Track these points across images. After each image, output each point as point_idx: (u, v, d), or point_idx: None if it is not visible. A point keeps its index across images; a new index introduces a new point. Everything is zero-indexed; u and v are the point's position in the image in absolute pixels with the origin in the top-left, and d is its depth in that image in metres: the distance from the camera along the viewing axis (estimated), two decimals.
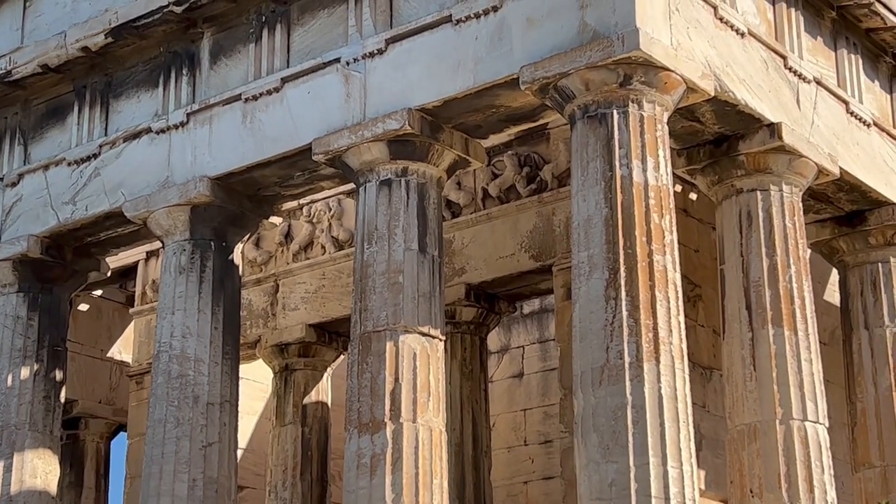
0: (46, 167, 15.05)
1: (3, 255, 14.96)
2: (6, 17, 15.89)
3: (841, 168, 13.02)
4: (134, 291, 19.50)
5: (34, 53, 14.93)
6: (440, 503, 11.61)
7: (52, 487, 14.87)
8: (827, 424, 12.03)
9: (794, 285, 12.21)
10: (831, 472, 11.85)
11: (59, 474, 15.17)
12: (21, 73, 15.04)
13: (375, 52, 12.60)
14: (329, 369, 17.95)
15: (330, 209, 17.36)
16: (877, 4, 13.39)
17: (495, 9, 11.86)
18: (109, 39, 14.29)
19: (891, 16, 13.61)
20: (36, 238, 14.82)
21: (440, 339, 12.24)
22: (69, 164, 14.81)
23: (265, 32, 13.55)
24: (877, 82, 14.15)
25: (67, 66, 14.82)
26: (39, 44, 14.99)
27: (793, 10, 13.02)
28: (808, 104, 12.89)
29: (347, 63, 12.77)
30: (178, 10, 13.75)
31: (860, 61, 13.87)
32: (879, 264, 13.99)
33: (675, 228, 11.18)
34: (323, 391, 17.90)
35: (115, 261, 16.98)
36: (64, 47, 14.61)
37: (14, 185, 15.29)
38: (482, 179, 15.80)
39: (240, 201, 13.89)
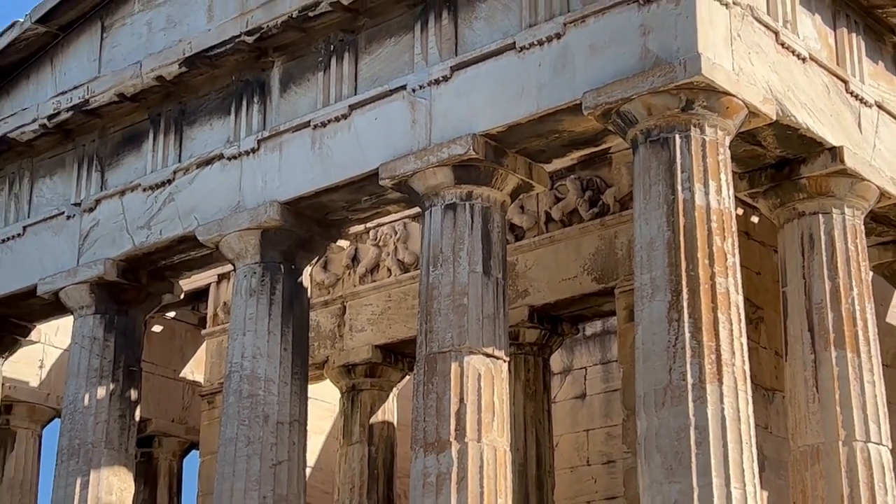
0: (122, 193, 15.16)
1: (81, 278, 15.08)
2: (84, 48, 16.09)
3: None
4: (206, 313, 19.63)
5: (111, 83, 15.07)
6: None
7: (127, 503, 14.94)
8: (890, 446, 11.89)
9: (857, 307, 12.09)
10: (895, 493, 11.70)
11: (133, 492, 15.27)
12: (98, 102, 15.19)
13: (441, 79, 12.61)
14: (395, 389, 17.96)
15: (396, 233, 17.41)
16: None
17: (558, 36, 11.86)
18: (183, 69, 14.43)
19: None
20: (112, 261, 14.91)
21: (504, 361, 12.19)
22: (144, 190, 14.91)
23: (333, 61, 13.62)
24: None
25: (143, 95, 14.95)
26: (116, 73, 15.13)
27: (854, 35, 12.95)
28: (870, 128, 12.78)
29: (413, 90, 12.78)
30: (249, 39, 13.89)
31: None
32: None
33: (737, 251, 11.08)
34: (389, 411, 17.92)
35: (188, 283, 17.10)
36: (139, 77, 14.74)
37: (91, 210, 15.41)
38: (545, 203, 15.77)
39: (308, 225, 13.92)
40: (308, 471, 14.36)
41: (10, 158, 16.42)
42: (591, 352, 18.90)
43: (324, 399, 18.27)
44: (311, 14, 13.41)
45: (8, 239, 16.24)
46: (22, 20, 16.08)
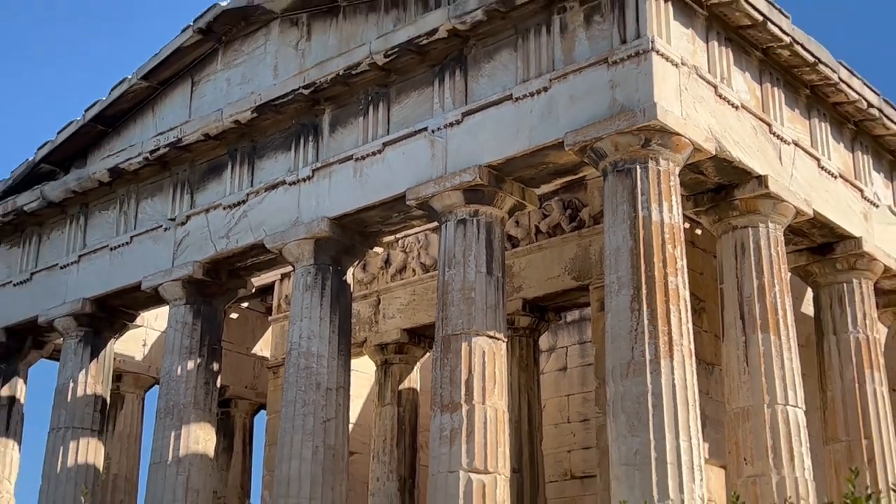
0: (207, 210, 15.24)
1: (175, 276, 15.19)
2: (177, 99, 16.25)
3: (814, 210, 12.95)
4: (272, 304, 19.67)
5: (198, 125, 15.18)
6: (502, 466, 11.66)
7: (210, 452, 15.10)
8: (804, 408, 11.96)
9: (778, 300, 12.17)
10: (807, 445, 11.78)
11: (215, 442, 15.42)
12: (188, 140, 15.30)
13: (454, 122, 12.70)
14: (418, 363, 17.97)
15: (419, 241, 17.46)
16: (841, 84, 13.34)
17: (546, 89, 11.98)
18: (254, 115, 14.53)
19: (852, 92, 13.54)
20: (199, 264, 15.00)
21: (503, 341, 12.29)
22: (224, 209, 15.01)
23: (371, 108, 13.69)
24: (841, 144, 14.06)
25: (223, 135, 15.04)
26: (202, 118, 15.24)
27: (776, 88, 13.00)
28: (788, 161, 12.85)
29: (433, 131, 12.88)
30: (305, 92, 14.01)
31: (828, 127, 13.80)
32: (844, 284, 13.86)
33: (684, 256, 11.23)
34: (413, 380, 17.96)
35: (258, 280, 17.13)
36: (220, 121, 14.85)
37: (183, 224, 15.51)
38: (535, 219, 15.83)
39: (351, 236, 13.99)
40: (350, 426, 14.42)
41: (121, 184, 16.50)
42: (571, 334, 18.91)
43: (363, 370, 18.26)
44: (353, 73, 13.54)
45: (119, 246, 16.32)
46: (130, 77, 16.23)
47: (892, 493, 11.62)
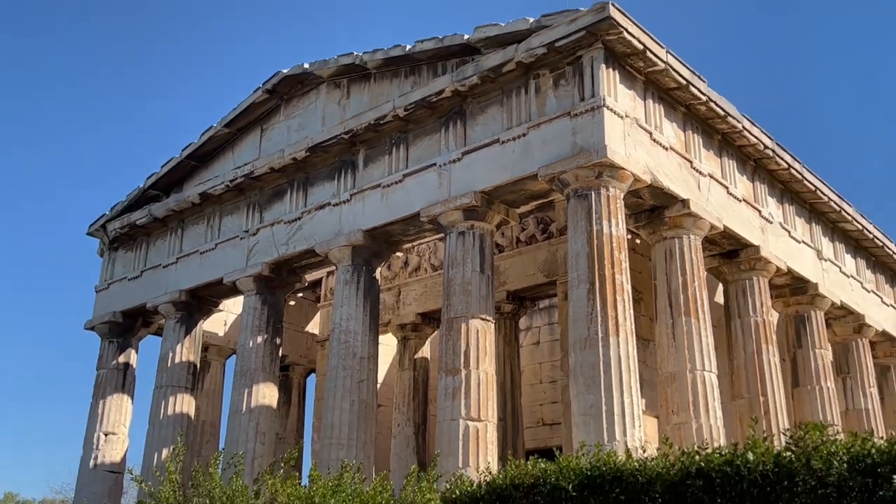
0: (272, 225, 15.23)
1: (248, 273, 15.16)
2: (250, 141, 16.22)
3: (724, 225, 12.90)
4: (320, 294, 19.74)
5: (266, 161, 15.17)
6: (491, 415, 11.63)
7: (273, 404, 15.05)
8: (716, 373, 11.90)
9: (697, 293, 12.12)
10: (719, 400, 11.74)
11: (276, 397, 15.34)
12: (258, 172, 15.29)
13: (456, 159, 12.69)
14: (429, 338, 17.95)
15: (429, 248, 17.50)
16: (744, 131, 13.32)
17: (524, 135, 11.96)
18: (307, 153, 14.52)
19: (752, 138, 13.52)
20: (266, 264, 14.99)
21: (492, 322, 12.24)
22: (284, 223, 14.99)
23: (394, 149, 13.67)
24: (744, 176, 14.00)
25: (284, 169, 15.01)
26: (269, 156, 15.23)
27: (695, 134, 12.93)
28: (705, 188, 12.79)
29: (440, 166, 12.86)
30: (345, 137, 14.01)
31: (735, 164, 13.74)
32: (746, 281, 13.80)
33: (627, 259, 11.19)
34: (425, 351, 17.94)
35: (309, 276, 17.08)
36: (282, 158, 14.86)
37: (254, 234, 15.49)
38: (516, 231, 15.85)
39: (379, 243, 13.93)
40: (378, 385, 14.42)
41: (208, 205, 16.48)
42: (543, 317, 18.94)
43: (387, 344, 18.30)
44: (381, 122, 13.54)
45: (206, 251, 16.29)
46: (215, 125, 16.26)
47: (782, 436, 11.52)
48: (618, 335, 10.53)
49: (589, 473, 5.67)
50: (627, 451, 6.22)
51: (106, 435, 16.97)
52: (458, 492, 6.46)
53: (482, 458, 11.11)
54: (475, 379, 11.55)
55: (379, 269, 14.46)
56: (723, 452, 5.47)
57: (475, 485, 6.50)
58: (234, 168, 15.84)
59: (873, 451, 4.84)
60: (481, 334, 11.85)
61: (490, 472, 7.18)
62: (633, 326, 10.85)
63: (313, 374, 20.09)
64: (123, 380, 17.55)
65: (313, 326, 20.49)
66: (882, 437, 5.33)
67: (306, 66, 14.95)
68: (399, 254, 16.87)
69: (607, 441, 9.90)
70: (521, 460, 6.45)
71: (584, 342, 10.58)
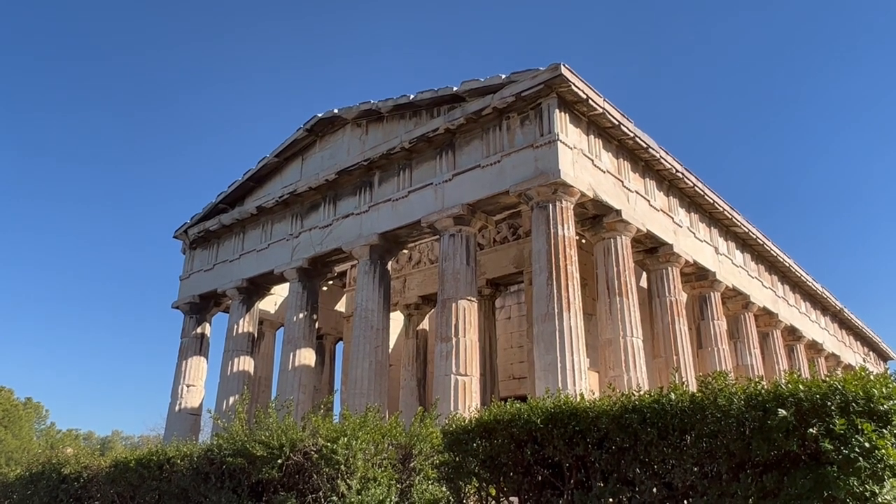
0: (310, 230, 15.10)
1: (293, 266, 15.03)
2: (294, 167, 16.05)
3: (647, 229, 12.87)
4: (346, 281, 19.59)
5: (305, 182, 15.05)
6: (475, 372, 11.55)
7: (311, 364, 14.88)
8: (641, 339, 11.86)
9: (627, 279, 12.09)
10: (643, 359, 11.69)
11: (314, 358, 15.20)
12: (300, 191, 15.17)
13: (448, 179, 12.61)
14: (427, 315, 17.84)
15: (428, 246, 17.36)
16: (661, 159, 13.29)
17: (499, 161, 11.89)
18: (336, 176, 14.43)
19: (667, 164, 13.48)
20: (305, 259, 14.88)
21: (475, 302, 12.13)
22: (319, 229, 14.87)
23: (401, 172, 13.57)
24: (661, 192, 13.95)
25: (319, 188, 14.89)
26: (308, 177, 15.11)
27: (625, 161, 12.90)
28: (633, 201, 12.76)
29: (436, 184, 12.77)
30: (365, 163, 13.92)
31: (654, 183, 13.70)
32: (663, 270, 13.76)
33: (576, 254, 11.12)
34: (424, 324, 17.81)
35: (338, 268, 16.97)
36: (318, 180, 14.75)
37: (297, 237, 15.38)
38: (493, 233, 15.74)
39: (390, 243, 13.84)
40: (389, 350, 14.32)
41: (262, 215, 16.31)
42: (514, 298, 18.80)
43: (396, 319, 18.24)
44: (392, 152, 13.45)
45: (261, 249, 16.14)
46: (268, 155, 16.13)
47: (692, 383, 11.50)
48: (569, 311, 10.49)
49: (553, 411, 5.61)
50: (581, 394, 6.17)
51: (188, 387, 16.84)
52: (454, 426, 6.40)
53: (468, 403, 11.06)
54: (463, 344, 11.49)
55: (390, 263, 14.39)
56: (651, 394, 5.43)
57: (466, 420, 6.44)
58: (282, 187, 15.69)
59: (763, 391, 4.81)
60: (467, 311, 11.78)
61: (477, 412, 7.13)
62: (581, 304, 10.82)
63: (341, 342, 19.97)
64: (200, 346, 17.41)
65: (340, 306, 20.40)
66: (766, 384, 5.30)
67: (335, 111, 14.84)
68: (405, 251, 16.79)
69: (562, 389, 9.78)
70: (501, 402, 6.39)
71: (544, 316, 10.53)
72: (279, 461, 6.93)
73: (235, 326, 16.31)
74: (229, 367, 15.96)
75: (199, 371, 17.15)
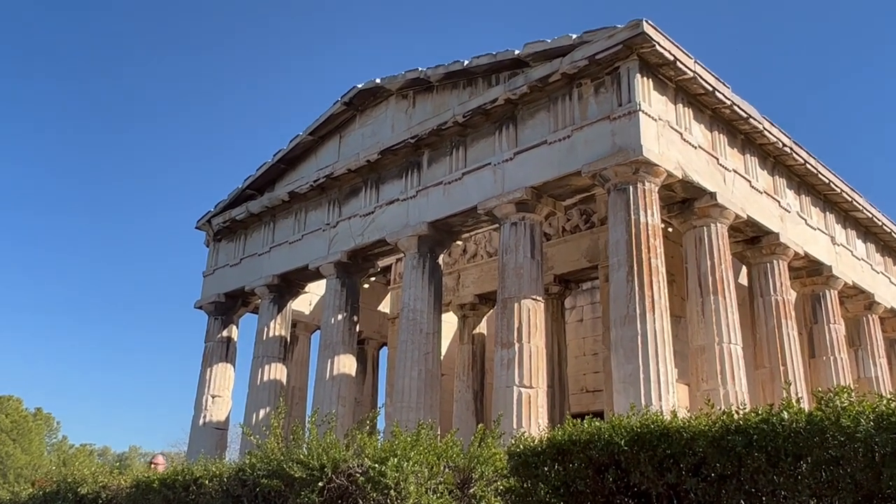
0: (349, 218, 15.31)
1: (330, 260, 15.29)
2: (331, 147, 16.28)
3: (747, 215, 12.60)
4: (390, 278, 19.86)
5: (344, 164, 15.26)
6: (541, 384, 11.55)
7: (352, 372, 15.14)
8: (741, 345, 11.66)
9: (724, 274, 11.87)
10: (743, 370, 11.49)
11: (355, 366, 15.44)
12: (338, 174, 15.38)
13: (508, 158, 12.60)
14: (485, 316, 17.91)
15: (485, 237, 17.43)
16: (764, 131, 12.97)
17: (569, 136, 11.83)
18: (379, 156, 14.57)
19: (772, 137, 13.16)
20: (344, 252, 15.09)
21: (541, 301, 12.14)
22: (360, 217, 15.05)
23: (454, 150, 13.63)
24: (765, 170, 13.63)
25: (359, 170, 15.06)
26: (346, 159, 15.31)
27: (721, 134, 12.64)
28: (730, 182, 12.51)
29: (495, 164, 12.77)
30: (412, 141, 14.03)
31: (756, 160, 13.38)
32: (767, 264, 13.48)
33: (661, 245, 10.99)
34: (482, 327, 17.90)
35: (382, 262, 17.22)
36: (358, 161, 14.93)
37: (334, 227, 15.59)
38: (562, 221, 15.68)
39: (441, 233, 13.91)
40: (441, 357, 14.44)
41: (295, 202, 16.62)
42: (586, 297, 18.73)
43: (449, 321, 18.39)
44: (443, 128, 13.52)
45: (294, 241, 16.45)
46: (301, 133, 16.41)
47: (803, 401, 11.23)
48: (654, 312, 10.36)
49: (639, 431, 5.57)
50: (673, 411, 6.11)
51: (213, 397, 17.35)
52: (521, 447, 6.42)
53: (533, 420, 11.06)
54: (527, 351, 11.48)
55: (441, 256, 14.47)
56: (759, 412, 5.33)
57: (536, 441, 6.46)
58: (317, 170, 15.94)
59: None
60: (532, 312, 11.76)
61: (548, 431, 7.13)
62: (667, 304, 10.67)
63: (385, 348, 20.23)
64: (226, 351, 17.89)
65: (384, 306, 20.63)
66: None
67: (378, 80, 14.99)
68: (458, 242, 16.84)
69: (645, 405, 9.70)
70: (577, 420, 6.39)
71: (623, 318, 10.43)
72: (320, 484, 7.09)
73: (266, 329, 16.69)
74: (259, 376, 16.36)
75: (225, 380, 17.64)
